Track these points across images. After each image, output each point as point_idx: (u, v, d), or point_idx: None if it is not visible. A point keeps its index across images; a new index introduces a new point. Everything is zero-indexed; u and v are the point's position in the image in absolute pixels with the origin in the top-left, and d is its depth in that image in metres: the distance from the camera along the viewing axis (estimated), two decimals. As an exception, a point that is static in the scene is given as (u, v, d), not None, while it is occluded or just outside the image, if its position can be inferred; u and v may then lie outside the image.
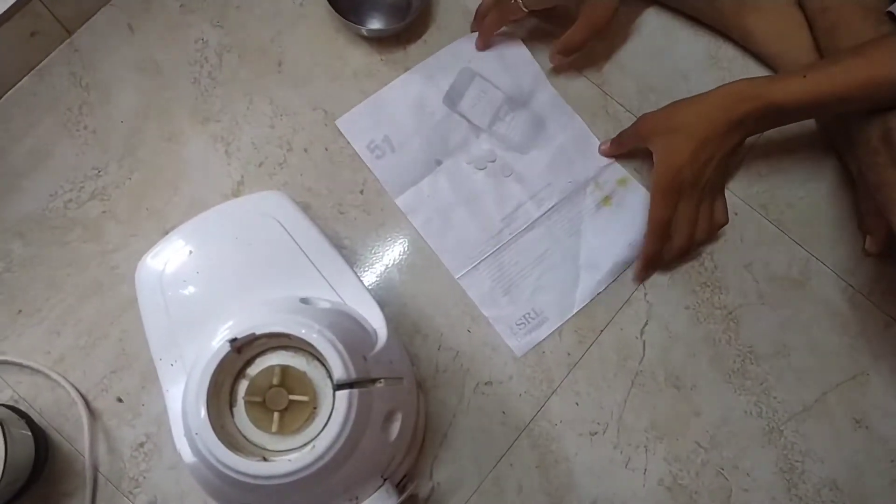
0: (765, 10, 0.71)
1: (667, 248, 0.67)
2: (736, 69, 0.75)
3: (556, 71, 0.74)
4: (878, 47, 0.59)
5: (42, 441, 0.62)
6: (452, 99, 0.72)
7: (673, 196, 0.64)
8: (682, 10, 0.76)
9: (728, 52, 0.76)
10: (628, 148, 0.70)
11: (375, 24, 0.75)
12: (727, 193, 0.72)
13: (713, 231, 0.69)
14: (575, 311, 0.68)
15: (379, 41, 0.75)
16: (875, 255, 0.68)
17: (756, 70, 0.75)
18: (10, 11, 0.67)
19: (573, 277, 0.68)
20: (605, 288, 0.69)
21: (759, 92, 0.61)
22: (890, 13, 0.62)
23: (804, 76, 0.60)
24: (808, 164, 0.73)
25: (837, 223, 0.72)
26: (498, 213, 0.70)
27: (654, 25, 0.77)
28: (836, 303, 0.70)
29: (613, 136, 0.71)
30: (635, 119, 0.69)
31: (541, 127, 0.72)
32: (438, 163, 0.71)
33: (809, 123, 0.74)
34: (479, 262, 0.68)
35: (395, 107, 0.72)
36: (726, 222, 0.69)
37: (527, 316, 0.67)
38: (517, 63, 0.74)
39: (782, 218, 0.71)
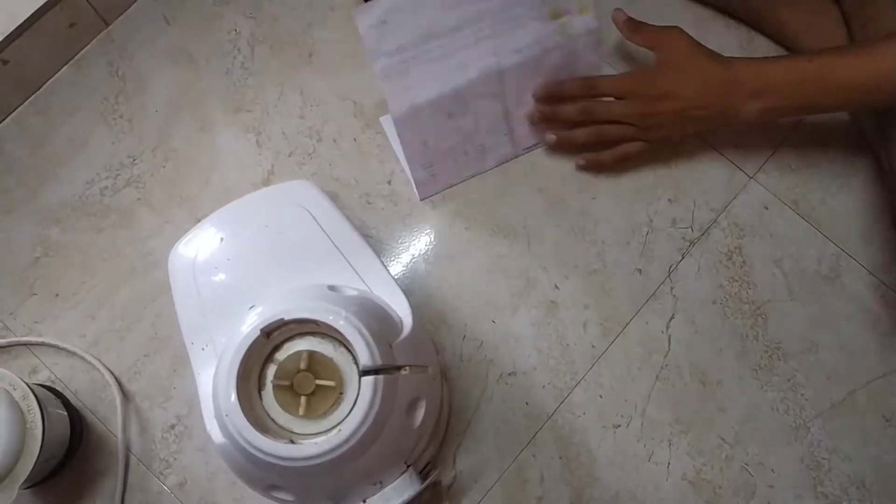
0: (799, 2, 0.70)
1: (568, 132, 0.68)
2: (768, 62, 0.74)
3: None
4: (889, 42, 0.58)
5: (77, 421, 0.64)
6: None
7: (630, 93, 0.64)
8: (714, 2, 0.75)
9: (761, 45, 0.75)
10: (642, 41, 0.66)
11: (405, 15, 0.75)
12: (756, 186, 0.71)
13: (610, 165, 0.69)
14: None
15: (408, 33, 0.75)
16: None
17: (789, 63, 0.74)
18: (51, 3, 0.69)
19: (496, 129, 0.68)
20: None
21: (761, 65, 0.61)
22: None
23: (809, 60, 0.60)
24: (840, 158, 0.72)
25: (870, 219, 0.70)
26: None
27: (684, 16, 0.76)
28: (867, 300, 0.69)
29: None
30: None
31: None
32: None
33: (842, 117, 0.73)
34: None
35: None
36: (612, 164, 0.69)
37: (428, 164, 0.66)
38: None
39: (813, 213, 0.70)
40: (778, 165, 0.72)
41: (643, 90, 0.64)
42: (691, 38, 0.64)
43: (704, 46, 0.64)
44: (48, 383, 0.66)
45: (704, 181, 0.71)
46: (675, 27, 0.65)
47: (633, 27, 0.66)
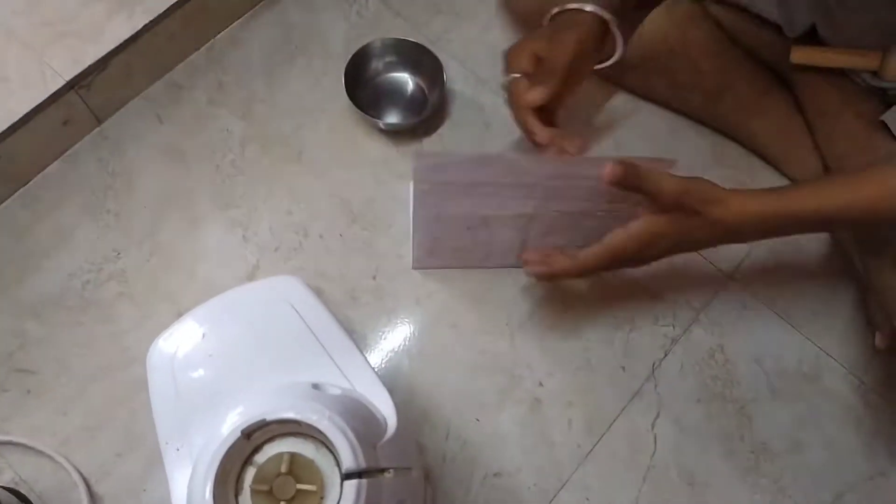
0: (767, 114, 0.74)
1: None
2: (742, 166, 0.78)
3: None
4: (830, 182, 0.58)
5: (40, 526, 0.61)
6: None
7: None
8: (686, 112, 0.79)
9: (732, 150, 0.78)
10: (647, 191, 0.54)
11: (393, 118, 0.78)
12: (734, 284, 0.72)
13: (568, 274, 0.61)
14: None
15: (396, 134, 0.78)
16: (885, 351, 0.68)
17: (761, 168, 0.77)
18: (47, 102, 0.71)
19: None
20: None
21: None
22: (883, 122, 0.64)
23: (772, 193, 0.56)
24: (815, 258, 0.74)
25: (847, 318, 0.72)
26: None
27: (659, 125, 0.80)
28: (849, 399, 0.69)
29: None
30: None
31: None
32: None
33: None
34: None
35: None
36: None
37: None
38: None
39: (790, 312, 0.72)
40: (754, 265, 0.74)
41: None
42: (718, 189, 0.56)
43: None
44: (12, 485, 0.63)
45: (684, 280, 0.73)
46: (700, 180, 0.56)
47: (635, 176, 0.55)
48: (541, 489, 0.65)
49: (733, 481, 0.66)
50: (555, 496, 0.65)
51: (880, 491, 0.66)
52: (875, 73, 0.66)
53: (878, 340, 0.68)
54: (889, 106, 0.66)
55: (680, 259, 0.73)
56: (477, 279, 0.72)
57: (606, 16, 0.62)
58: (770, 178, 0.77)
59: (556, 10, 0.64)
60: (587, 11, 0.62)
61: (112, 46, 0.73)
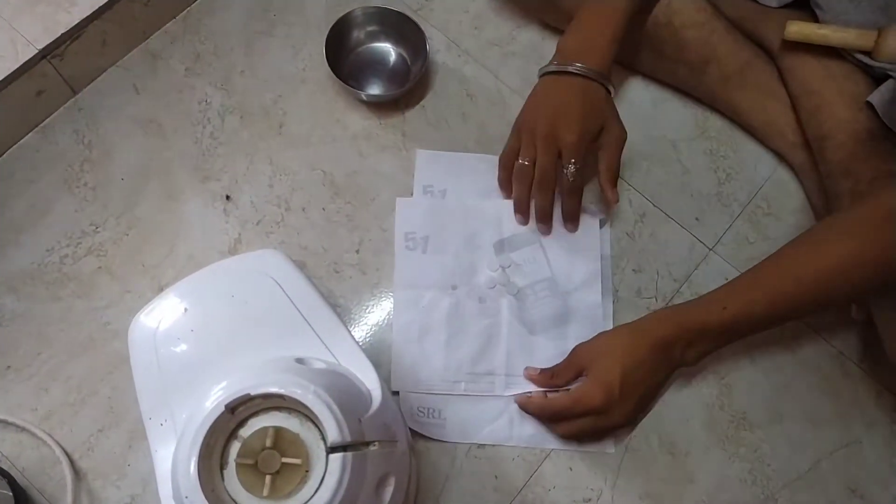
0: (750, 86, 0.74)
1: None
2: (724, 138, 0.78)
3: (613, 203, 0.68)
4: (813, 258, 0.58)
5: (23, 501, 0.60)
6: (504, 247, 0.71)
7: (584, 412, 0.62)
8: (670, 83, 0.79)
9: (715, 122, 0.78)
10: (565, 381, 0.65)
11: (375, 89, 0.77)
12: (715, 257, 0.73)
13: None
14: (470, 442, 0.65)
15: (378, 106, 0.77)
16: (862, 322, 0.69)
17: (744, 140, 0.78)
18: (19, 72, 0.68)
19: (494, 414, 0.66)
20: (514, 446, 0.66)
21: (680, 319, 0.61)
22: (869, 102, 0.64)
23: (724, 308, 0.60)
24: (795, 230, 0.75)
25: (826, 290, 0.72)
26: (469, 364, 0.66)
27: (643, 96, 0.79)
28: (828, 370, 0.70)
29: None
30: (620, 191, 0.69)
31: (563, 324, 0.69)
32: (453, 287, 0.69)
33: (795, 193, 0.76)
34: (420, 394, 0.66)
35: (452, 220, 0.71)
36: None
37: (430, 410, 0.66)
38: (582, 255, 0.71)
39: (772, 284, 0.72)
40: (735, 237, 0.74)
41: (593, 405, 0.61)
42: (598, 337, 0.65)
43: (616, 329, 0.65)
44: (-7, 461, 0.63)
45: (667, 252, 0.73)
46: (576, 346, 0.65)
47: (550, 375, 0.65)
48: (524, 460, 0.66)
49: (713, 450, 0.67)
50: (538, 467, 0.65)
51: (855, 458, 0.67)
52: (868, 53, 0.65)
53: (855, 312, 0.69)
54: (876, 82, 0.66)
55: (662, 231, 0.74)
56: (461, 252, 0.72)
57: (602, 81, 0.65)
58: (753, 149, 0.78)
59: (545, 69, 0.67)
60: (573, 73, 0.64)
61: (86, 14, 0.71)
